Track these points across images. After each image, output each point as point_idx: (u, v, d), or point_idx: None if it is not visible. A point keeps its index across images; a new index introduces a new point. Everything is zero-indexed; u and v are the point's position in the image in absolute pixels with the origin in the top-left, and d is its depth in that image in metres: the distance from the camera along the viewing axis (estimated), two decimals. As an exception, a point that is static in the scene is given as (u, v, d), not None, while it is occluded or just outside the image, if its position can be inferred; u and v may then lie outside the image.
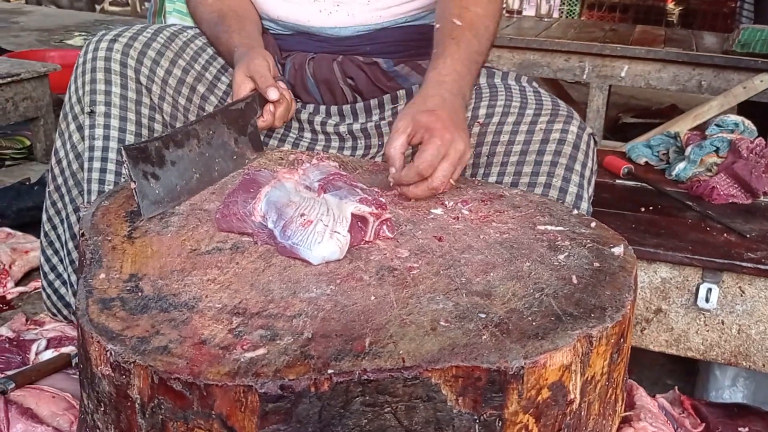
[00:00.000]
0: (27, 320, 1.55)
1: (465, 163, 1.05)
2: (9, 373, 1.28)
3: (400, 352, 0.70)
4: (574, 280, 0.84)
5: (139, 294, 0.79)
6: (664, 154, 2.01)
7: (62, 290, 1.43)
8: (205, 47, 1.35)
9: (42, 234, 1.42)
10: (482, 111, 1.23)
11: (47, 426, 1.17)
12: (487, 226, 0.98)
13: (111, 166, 1.23)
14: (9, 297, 1.78)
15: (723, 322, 1.50)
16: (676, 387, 1.46)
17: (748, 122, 2.00)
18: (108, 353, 0.70)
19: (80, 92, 1.26)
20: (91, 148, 1.24)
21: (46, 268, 1.44)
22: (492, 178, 1.17)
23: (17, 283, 1.84)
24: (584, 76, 2.92)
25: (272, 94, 1.16)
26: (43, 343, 1.41)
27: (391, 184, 1.05)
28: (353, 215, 0.89)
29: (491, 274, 0.85)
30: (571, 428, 0.76)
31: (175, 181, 1.01)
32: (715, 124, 1.99)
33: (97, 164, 1.24)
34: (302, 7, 1.30)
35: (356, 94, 1.33)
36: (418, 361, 0.68)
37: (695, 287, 1.49)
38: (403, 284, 0.82)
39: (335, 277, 0.84)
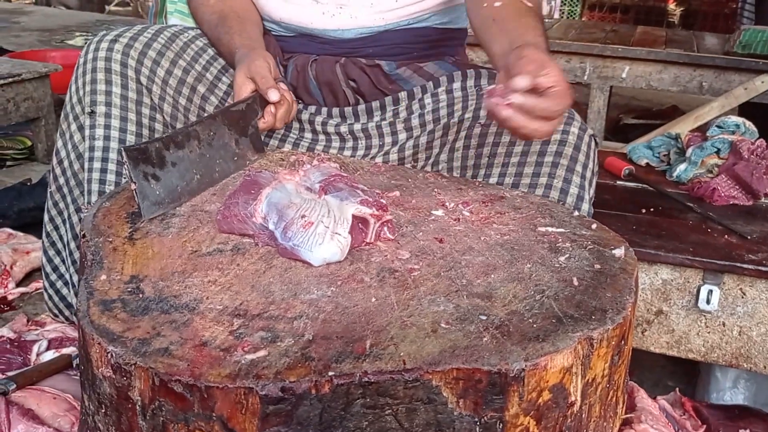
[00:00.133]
0: (28, 321, 1.55)
1: (558, 122, 0.97)
2: (10, 373, 1.28)
3: (401, 354, 0.70)
4: (575, 282, 0.84)
5: (140, 295, 0.79)
6: (665, 155, 2.01)
7: (64, 291, 1.43)
8: (206, 48, 1.35)
9: (44, 234, 1.42)
10: (484, 112, 1.23)
11: (48, 427, 1.17)
12: (487, 228, 0.98)
13: (112, 167, 1.24)
14: (10, 297, 1.78)
15: (724, 324, 1.50)
16: (677, 389, 1.46)
17: (749, 123, 2.00)
18: (109, 355, 0.70)
19: (81, 92, 1.26)
20: (92, 149, 1.24)
21: (48, 269, 1.44)
22: (493, 179, 1.17)
23: (18, 284, 1.83)
24: (585, 77, 2.92)
25: (273, 96, 1.16)
26: (44, 343, 1.41)
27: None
28: (354, 217, 0.89)
29: (492, 275, 0.85)
30: (572, 430, 0.76)
31: (176, 182, 1.01)
32: (716, 126, 1.99)
33: (97, 164, 1.24)
34: (305, 10, 1.30)
35: (358, 96, 1.33)
36: (419, 363, 0.68)
37: (696, 289, 1.49)
38: (403, 286, 0.82)
39: (336, 279, 0.84)
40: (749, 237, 1.54)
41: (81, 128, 1.28)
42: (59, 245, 1.42)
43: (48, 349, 1.40)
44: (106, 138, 1.24)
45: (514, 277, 0.85)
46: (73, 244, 1.35)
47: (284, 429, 0.67)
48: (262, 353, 0.69)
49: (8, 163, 2.87)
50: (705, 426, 1.35)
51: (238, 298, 0.79)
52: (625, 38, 3.08)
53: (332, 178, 0.95)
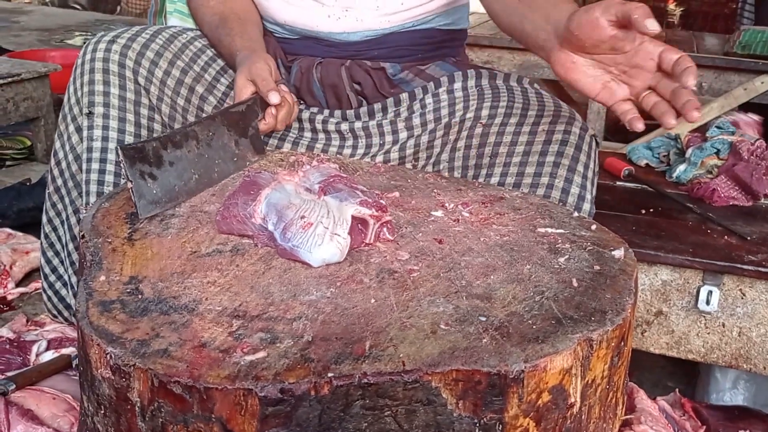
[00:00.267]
0: (27, 321, 1.55)
1: None
2: (9, 374, 1.28)
3: (401, 355, 0.69)
4: (575, 283, 0.84)
5: (139, 296, 0.79)
6: (664, 155, 2.01)
7: (63, 291, 1.43)
8: (205, 48, 1.35)
9: (42, 235, 1.42)
10: (485, 112, 1.23)
11: (48, 427, 1.17)
12: (487, 229, 0.98)
13: (110, 167, 1.24)
14: (9, 298, 1.78)
15: (724, 325, 1.50)
16: (677, 389, 1.46)
17: (749, 124, 2.00)
18: (108, 356, 0.70)
19: (79, 93, 1.26)
20: (90, 149, 1.24)
21: (47, 270, 1.44)
22: (495, 179, 1.17)
23: (18, 284, 1.83)
24: (585, 78, 2.91)
25: (273, 98, 1.16)
26: (44, 344, 1.41)
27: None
28: (353, 217, 0.89)
29: (491, 276, 0.85)
30: (572, 432, 0.76)
31: (174, 182, 1.01)
32: (716, 126, 1.99)
33: (95, 165, 1.24)
34: (310, 12, 1.29)
35: (361, 98, 1.33)
36: (419, 364, 0.68)
37: (696, 290, 1.49)
38: (403, 287, 0.82)
39: (335, 280, 0.84)
40: (749, 238, 1.54)
41: (79, 129, 1.28)
42: (58, 246, 1.42)
43: (47, 349, 1.40)
44: (104, 139, 1.24)
45: (514, 278, 0.85)
46: (71, 246, 1.35)
47: (283, 430, 0.67)
48: (261, 354, 0.69)
49: (8, 162, 2.87)
50: (705, 427, 1.35)
51: (238, 299, 0.79)
52: (625, 38, 3.08)
53: (331, 178, 0.95)
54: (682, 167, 1.86)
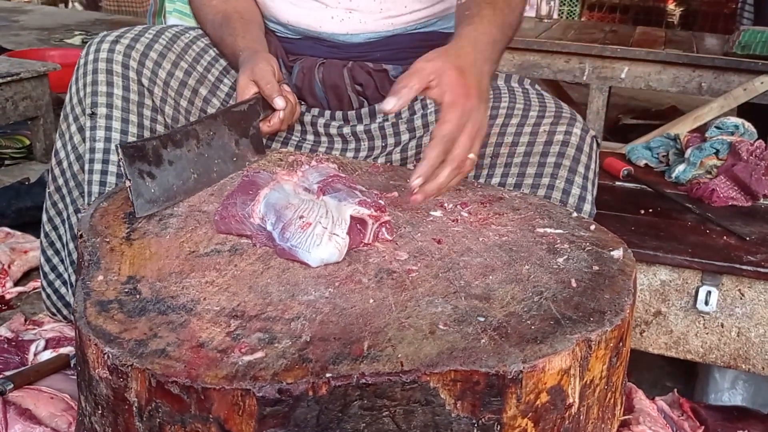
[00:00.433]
0: (26, 320, 1.54)
1: (482, 137, 0.96)
2: (7, 373, 1.28)
3: (399, 355, 0.69)
4: (573, 284, 0.84)
5: (137, 296, 0.79)
6: (663, 156, 2.01)
7: (62, 290, 1.43)
8: (208, 48, 1.35)
9: (42, 234, 1.42)
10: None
11: (46, 427, 1.17)
12: (486, 229, 0.98)
13: (112, 168, 1.23)
14: (8, 297, 1.78)
15: (722, 325, 1.50)
16: (676, 389, 1.46)
17: (748, 124, 2.00)
18: (105, 356, 0.70)
19: (81, 93, 1.25)
20: (92, 150, 1.24)
21: (47, 268, 1.44)
22: (495, 180, 1.17)
23: (16, 283, 1.83)
24: (584, 78, 2.92)
25: (279, 104, 1.16)
26: (42, 343, 1.41)
27: (413, 187, 0.91)
28: (352, 217, 0.89)
29: (490, 277, 0.85)
30: (570, 432, 0.76)
31: (172, 181, 1.01)
32: (715, 126, 1.99)
33: (98, 166, 1.23)
34: (314, 13, 1.29)
35: (362, 99, 1.33)
36: (417, 365, 0.68)
37: (695, 290, 1.49)
38: (401, 287, 0.82)
39: (334, 280, 0.83)
40: (748, 238, 1.54)
41: (81, 129, 1.27)
42: (58, 245, 1.41)
43: (45, 348, 1.40)
44: (107, 140, 1.23)
45: (513, 279, 0.85)
46: (72, 245, 1.35)
47: (281, 431, 0.67)
48: (259, 355, 0.69)
49: (6, 162, 2.87)
50: (703, 427, 1.35)
51: (236, 299, 0.79)
52: (625, 39, 3.08)
53: (330, 178, 0.95)
54: (681, 167, 1.86)
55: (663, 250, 1.49)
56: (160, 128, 1.28)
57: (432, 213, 1.02)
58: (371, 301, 0.79)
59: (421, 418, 0.69)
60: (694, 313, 1.51)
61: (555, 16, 3.88)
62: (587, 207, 1.14)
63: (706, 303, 1.48)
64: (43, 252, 1.43)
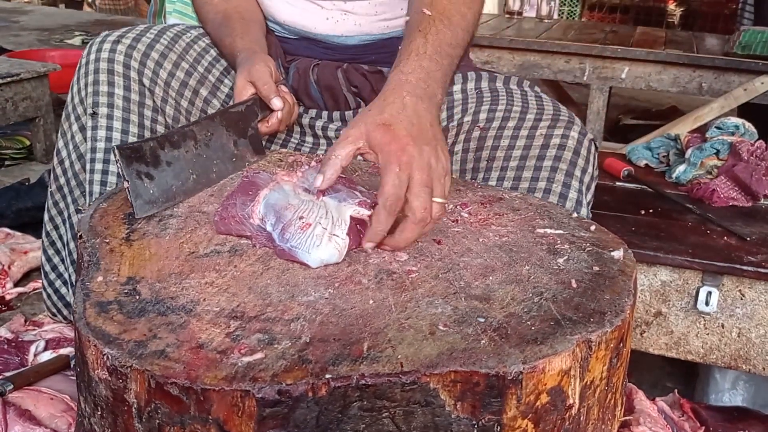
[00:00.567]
0: (26, 321, 1.54)
1: (443, 174, 0.90)
2: (7, 374, 1.28)
3: (399, 356, 0.69)
4: (574, 284, 0.84)
5: (137, 297, 0.78)
6: (664, 156, 2.01)
7: (63, 290, 1.43)
8: (209, 48, 1.35)
9: (43, 234, 1.42)
10: (483, 115, 1.22)
11: (45, 428, 1.17)
12: (486, 230, 0.97)
13: (113, 168, 1.23)
14: (8, 297, 1.78)
15: (723, 326, 1.50)
16: (676, 390, 1.46)
17: (748, 125, 2.00)
18: (105, 357, 0.70)
19: (83, 93, 1.25)
20: (93, 150, 1.24)
21: (47, 268, 1.44)
22: (491, 183, 1.17)
23: (16, 284, 1.83)
24: (585, 78, 2.92)
25: (277, 104, 1.16)
26: (42, 344, 1.41)
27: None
28: (352, 218, 0.88)
29: (490, 277, 0.85)
30: (570, 433, 0.76)
31: (171, 182, 1.01)
32: (716, 127, 1.99)
33: (99, 165, 1.24)
34: (309, 14, 1.29)
35: (359, 99, 1.33)
36: (417, 365, 0.68)
37: (695, 290, 1.49)
38: (401, 288, 0.82)
39: (334, 281, 0.83)
40: (748, 238, 1.54)
41: (83, 129, 1.27)
42: (59, 245, 1.42)
43: (45, 349, 1.40)
44: (108, 139, 1.23)
45: (513, 279, 0.85)
46: (72, 244, 1.35)
47: (281, 432, 0.67)
48: (258, 356, 0.69)
49: (6, 162, 2.87)
50: (704, 428, 1.35)
51: (235, 300, 0.78)
52: (625, 39, 3.08)
53: None
54: (681, 168, 1.86)
55: (663, 251, 1.49)
56: (160, 128, 1.28)
57: (432, 213, 1.01)
58: (371, 301, 0.79)
59: (421, 419, 0.69)
60: (694, 313, 1.50)
61: (555, 16, 3.88)
62: (584, 211, 1.14)
63: (707, 303, 1.48)
64: (44, 251, 1.43)
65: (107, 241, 0.90)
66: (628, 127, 3.90)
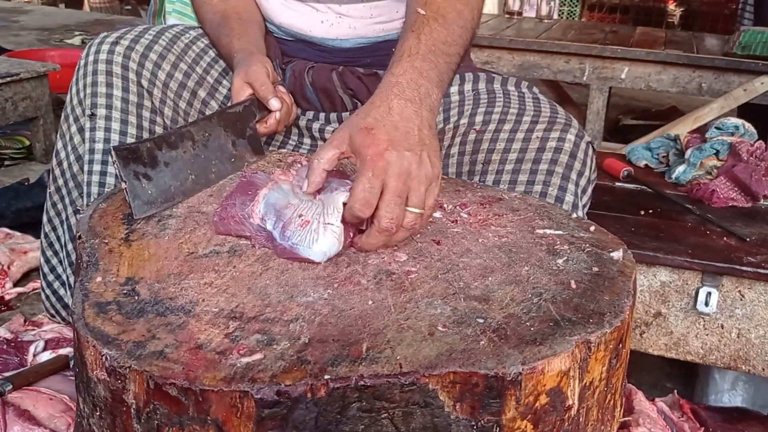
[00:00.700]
0: (25, 321, 1.54)
1: (426, 182, 0.88)
2: (6, 374, 1.28)
3: (398, 357, 0.69)
4: (573, 285, 0.84)
5: (136, 298, 0.78)
6: (664, 156, 2.01)
7: (61, 291, 1.43)
8: (207, 49, 1.35)
9: (42, 235, 1.42)
10: (479, 117, 1.22)
11: (44, 428, 1.17)
12: (485, 230, 0.97)
13: (111, 169, 1.23)
14: (7, 298, 1.78)
15: (722, 326, 1.50)
16: (676, 391, 1.46)
17: (748, 125, 2.00)
18: (103, 358, 0.70)
19: (81, 94, 1.25)
20: (92, 151, 1.24)
21: (46, 269, 1.44)
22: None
23: (15, 284, 1.83)
24: (584, 78, 2.92)
25: (274, 105, 1.16)
26: (41, 344, 1.41)
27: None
28: (345, 205, 0.88)
29: (489, 278, 0.85)
30: (569, 434, 0.76)
31: (169, 182, 1.01)
32: (715, 127, 1.99)
33: (97, 167, 1.23)
34: (304, 17, 1.29)
35: (356, 101, 1.32)
36: (416, 366, 0.68)
37: (695, 291, 1.49)
38: (400, 288, 0.82)
39: (333, 281, 0.83)
40: (748, 239, 1.54)
41: (81, 130, 1.27)
42: (57, 246, 1.41)
43: (45, 349, 1.40)
44: (107, 141, 1.23)
45: (512, 280, 0.85)
46: (71, 246, 1.35)
47: (280, 433, 0.67)
48: (257, 356, 0.69)
49: (6, 162, 2.87)
50: (703, 428, 1.35)
51: (234, 301, 0.78)
52: (625, 39, 3.08)
53: None
54: (681, 168, 1.86)
55: (663, 251, 1.49)
56: (159, 129, 1.28)
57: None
58: (370, 302, 0.79)
59: (420, 420, 0.69)
60: (694, 314, 1.50)
61: (555, 16, 3.88)
62: (580, 215, 1.13)
63: (706, 304, 1.48)
64: (43, 253, 1.43)
65: (106, 241, 0.90)
66: (628, 128, 3.90)
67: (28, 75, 2.82)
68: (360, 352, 0.70)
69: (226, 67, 1.34)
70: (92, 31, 5.86)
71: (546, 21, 3.58)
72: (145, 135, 1.26)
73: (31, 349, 1.39)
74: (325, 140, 1.32)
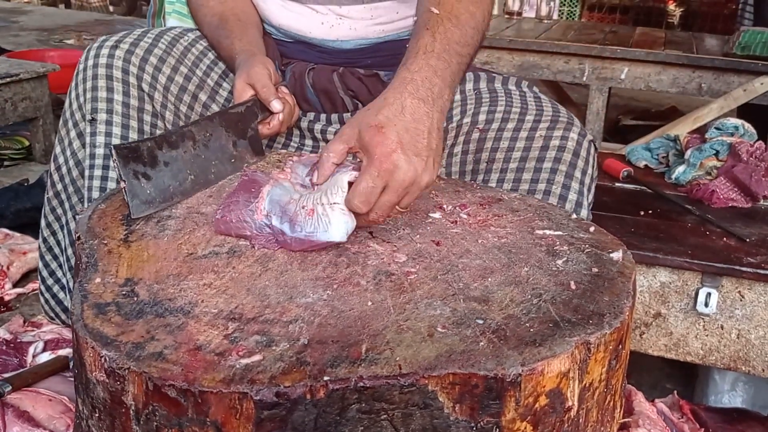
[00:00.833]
0: (24, 322, 1.54)
1: (417, 190, 0.89)
2: (6, 375, 1.28)
3: (397, 358, 0.69)
4: (573, 286, 0.83)
5: (135, 299, 0.78)
6: (663, 157, 2.01)
7: (61, 295, 1.42)
8: (207, 51, 1.34)
9: (41, 239, 1.42)
10: (482, 117, 1.22)
11: (44, 429, 1.16)
12: (485, 231, 0.97)
13: (112, 174, 1.22)
14: (7, 298, 1.77)
15: (722, 327, 1.50)
16: (675, 391, 1.46)
17: (748, 125, 2.00)
18: (102, 359, 0.70)
19: (81, 99, 1.24)
20: (92, 156, 1.23)
21: (45, 273, 1.43)
22: (491, 185, 1.17)
23: (15, 285, 1.83)
24: (584, 78, 2.91)
25: (276, 106, 1.16)
26: (41, 345, 1.41)
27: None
28: (350, 184, 0.88)
29: (489, 279, 0.85)
30: (569, 435, 0.76)
31: (168, 182, 1.00)
32: (715, 127, 1.99)
33: (98, 172, 1.23)
34: (304, 18, 1.29)
35: (357, 101, 1.32)
36: (415, 368, 0.68)
37: (694, 292, 1.49)
38: (400, 289, 0.82)
39: (332, 282, 0.83)
40: (748, 240, 1.53)
41: (81, 135, 1.26)
42: (56, 250, 1.41)
43: (44, 350, 1.40)
44: (107, 145, 1.22)
45: (511, 281, 0.84)
46: (70, 250, 1.34)
47: (279, 434, 0.67)
48: (256, 358, 0.69)
49: (6, 163, 2.87)
50: (703, 429, 1.35)
51: (234, 302, 0.78)
52: (624, 39, 3.08)
53: (316, 164, 0.96)
54: (681, 168, 1.86)
55: (663, 252, 1.49)
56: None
57: (431, 215, 1.01)
58: (369, 303, 0.79)
59: (420, 422, 0.69)
60: (693, 314, 1.50)
61: (555, 16, 3.88)
62: (584, 213, 1.13)
63: (706, 305, 1.48)
64: (42, 257, 1.43)
65: (105, 242, 0.90)
66: (628, 128, 3.90)
67: (27, 75, 2.82)
68: (359, 354, 0.70)
69: (226, 70, 1.34)
70: (92, 31, 5.87)
71: (546, 21, 3.57)
72: None
73: (31, 350, 1.39)
74: (327, 141, 1.31)
